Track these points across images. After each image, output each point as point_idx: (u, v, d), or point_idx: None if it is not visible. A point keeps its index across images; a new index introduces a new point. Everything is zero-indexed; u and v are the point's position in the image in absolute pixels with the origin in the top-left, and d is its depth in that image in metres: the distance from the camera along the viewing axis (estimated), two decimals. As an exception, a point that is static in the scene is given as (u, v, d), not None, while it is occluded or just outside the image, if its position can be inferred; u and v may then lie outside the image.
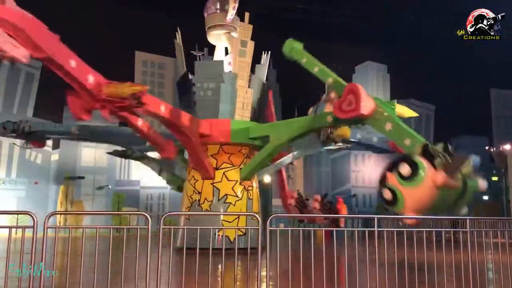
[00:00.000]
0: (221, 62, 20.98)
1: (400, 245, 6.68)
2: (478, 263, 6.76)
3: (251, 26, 21.64)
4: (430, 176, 10.26)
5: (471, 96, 76.20)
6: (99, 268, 5.85)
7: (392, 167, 11.11)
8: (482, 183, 11.19)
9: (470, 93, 76.40)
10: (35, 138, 22.02)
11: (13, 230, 6.19)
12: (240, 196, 19.26)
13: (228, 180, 19.23)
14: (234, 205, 18.87)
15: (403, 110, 14.86)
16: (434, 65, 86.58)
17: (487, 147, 57.28)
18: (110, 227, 6.44)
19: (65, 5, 66.69)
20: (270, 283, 6.39)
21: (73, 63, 12.34)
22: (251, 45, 21.50)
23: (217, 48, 22.52)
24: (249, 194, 19.60)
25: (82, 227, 6.14)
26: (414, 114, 16.55)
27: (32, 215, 5.80)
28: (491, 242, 6.93)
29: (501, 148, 43.56)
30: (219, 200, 18.88)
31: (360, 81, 67.58)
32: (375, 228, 6.52)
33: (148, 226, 6.08)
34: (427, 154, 10.68)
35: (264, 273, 7.35)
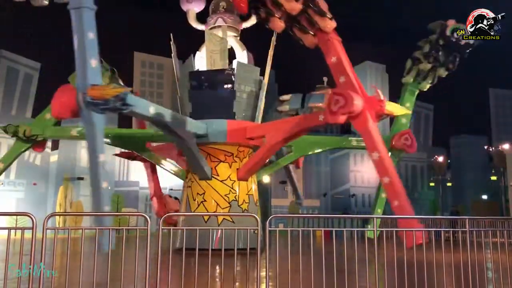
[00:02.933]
0: (257, 69, 21.22)
1: (399, 245, 6.68)
2: (477, 262, 6.76)
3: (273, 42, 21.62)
4: None
5: (470, 96, 76.25)
6: (98, 269, 5.85)
7: None
8: None
9: (469, 93, 76.43)
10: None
11: (12, 231, 6.18)
12: (256, 202, 20.04)
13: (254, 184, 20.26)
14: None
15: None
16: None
17: (486, 147, 57.37)
18: (109, 228, 6.44)
19: (64, 5, 66.55)
20: (270, 283, 6.39)
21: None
22: (271, 53, 21.84)
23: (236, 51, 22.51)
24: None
25: (82, 228, 6.14)
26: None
27: (31, 216, 5.80)
28: (490, 241, 6.94)
29: (500, 148, 43.63)
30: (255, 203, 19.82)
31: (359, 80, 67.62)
32: (374, 228, 6.53)
33: (148, 227, 6.09)
34: None
35: (263, 274, 7.35)
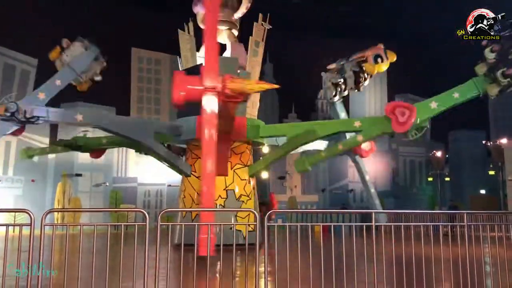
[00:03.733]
0: (236, 59, 20.95)
1: (398, 239, 6.70)
2: (476, 257, 6.78)
3: (263, 28, 21.94)
4: None
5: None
6: (97, 265, 5.84)
7: None
8: None
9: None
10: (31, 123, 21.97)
11: (10, 228, 6.17)
12: (250, 195, 19.69)
13: (241, 179, 19.62)
14: (246, 203, 19.27)
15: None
16: (432, 60, 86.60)
17: (484, 141, 57.44)
18: (108, 224, 6.43)
19: (62, 2, 66.38)
20: (268, 278, 6.40)
21: None
22: (262, 45, 21.92)
23: (227, 45, 22.54)
24: (254, 191, 19.92)
25: (80, 224, 6.13)
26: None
27: (29, 213, 5.79)
28: (488, 236, 6.95)
29: (498, 142, 43.69)
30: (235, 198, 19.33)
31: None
32: (373, 223, 6.53)
33: (146, 222, 6.08)
34: None
35: (262, 269, 7.36)
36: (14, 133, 21.68)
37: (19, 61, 56.25)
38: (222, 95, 12.13)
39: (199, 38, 23.31)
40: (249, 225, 14.65)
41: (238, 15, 22.02)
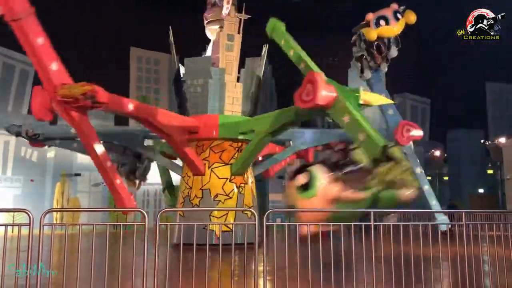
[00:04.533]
0: (209, 57, 21.00)
1: (397, 238, 6.71)
2: (474, 255, 6.79)
3: (238, 20, 21.54)
4: (324, 190, 10.15)
5: (467, 90, 76.28)
6: (96, 265, 5.85)
7: (293, 176, 11.02)
8: (404, 193, 10.23)
9: (466, 87, 76.47)
10: (36, 141, 22.28)
11: (9, 228, 6.17)
12: (230, 194, 19.15)
13: (219, 178, 19.08)
14: (223, 203, 18.77)
15: (370, 98, 13.94)
16: (430, 59, 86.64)
17: (482, 141, 57.51)
18: (106, 224, 6.43)
19: (61, 2, 66.29)
20: (267, 277, 6.41)
21: (40, 40, 12.39)
22: (238, 38, 21.42)
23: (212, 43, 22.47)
24: (240, 190, 19.46)
25: (79, 224, 6.13)
26: (385, 101, 15.42)
27: (28, 212, 5.79)
28: (486, 235, 6.97)
29: (496, 142, 43.73)
30: (211, 198, 18.91)
31: (356, 75, 67.79)
32: (371, 222, 6.54)
33: (145, 222, 6.09)
34: (384, 156, 10.34)
35: (261, 268, 7.37)
36: (34, 145, 22.86)
37: (18, 61, 56.20)
38: (60, 103, 12.85)
39: (186, 34, 23.26)
40: (225, 225, 14.89)
41: (224, 11, 21.75)
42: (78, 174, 51.72)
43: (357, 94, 12.94)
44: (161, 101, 63.48)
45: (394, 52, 18.42)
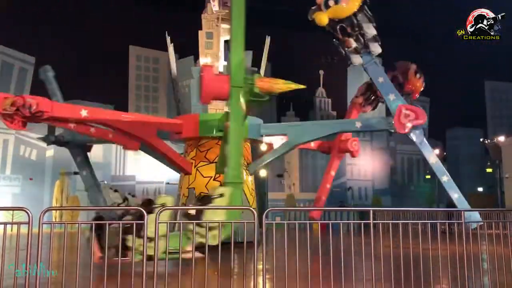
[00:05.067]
0: (190, 58, 21.23)
1: (396, 237, 6.71)
2: (473, 254, 6.80)
3: (214, 16, 21.63)
4: None
5: (466, 89, 76.39)
6: (95, 263, 5.85)
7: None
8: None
9: (465, 86, 76.57)
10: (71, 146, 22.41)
11: (8, 226, 6.17)
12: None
13: (203, 176, 19.12)
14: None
15: (271, 84, 13.21)
16: (429, 58, 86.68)
17: (481, 139, 57.57)
18: (106, 222, 6.43)
19: (60, 1, 66.21)
20: (267, 276, 6.41)
21: None
22: (217, 35, 21.45)
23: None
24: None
25: (78, 223, 6.12)
26: (295, 86, 13.90)
27: (27, 211, 5.78)
28: (485, 233, 6.98)
29: (495, 140, 43.77)
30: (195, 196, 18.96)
31: (355, 74, 67.57)
32: (371, 221, 6.54)
33: (144, 221, 6.08)
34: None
35: (260, 267, 7.38)
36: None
37: (17, 59, 56.15)
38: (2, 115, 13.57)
39: (184, 31, 23.27)
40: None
41: (215, 8, 22.05)
42: (77, 173, 51.69)
43: (251, 83, 12.67)
44: (160, 100, 63.47)
45: (372, 30, 17.05)
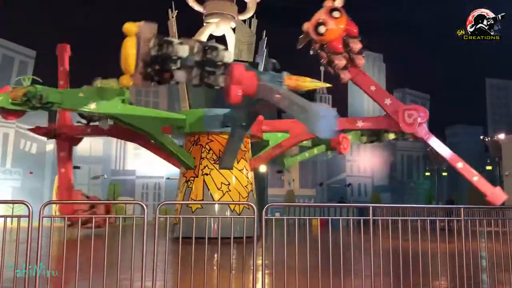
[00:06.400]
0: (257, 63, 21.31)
1: (395, 233, 6.72)
2: (472, 251, 6.81)
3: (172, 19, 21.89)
4: None
5: (466, 86, 76.30)
6: (94, 257, 5.86)
7: None
8: None
9: (466, 83, 76.45)
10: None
11: (8, 219, 6.18)
12: (181, 188, 19.73)
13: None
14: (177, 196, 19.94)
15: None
16: (430, 55, 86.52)
17: (481, 136, 57.57)
18: (106, 216, 6.44)
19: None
20: (266, 271, 6.44)
21: None
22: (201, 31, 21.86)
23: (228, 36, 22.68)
24: (189, 184, 19.58)
25: (78, 216, 6.13)
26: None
27: (28, 204, 5.79)
28: (485, 230, 6.99)
29: (495, 138, 43.78)
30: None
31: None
32: (370, 217, 6.56)
33: (144, 215, 6.09)
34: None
35: (259, 262, 7.40)
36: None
37: (18, 52, 56.07)
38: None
39: (195, 27, 23.34)
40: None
41: (243, 17, 22.52)
42: (78, 167, 51.56)
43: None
44: (160, 95, 63.39)
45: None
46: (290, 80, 12.74)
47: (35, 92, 14.65)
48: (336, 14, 14.01)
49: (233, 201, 18.25)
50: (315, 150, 24.23)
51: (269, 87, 12.24)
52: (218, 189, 18.82)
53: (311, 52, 14.90)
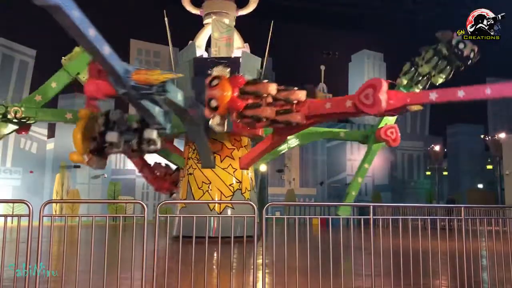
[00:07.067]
0: (259, 59, 21.23)
1: (395, 233, 6.72)
2: (473, 250, 6.81)
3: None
4: None
5: (467, 85, 75.95)
6: (95, 256, 5.86)
7: None
8: None
9: (466, 82, 76.18)
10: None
11: (9, 219, 6.18)
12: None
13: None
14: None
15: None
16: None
17: (482, 136, 57.50)
18: (106, 216, 6.43)
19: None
20: (266, 270, 6.43)
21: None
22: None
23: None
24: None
25: (78, 216, 6.13)
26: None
27: (28, 203, 5.80)
28: (485, 229, 6.99)
29: (496, 137, 43.76)
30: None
31: (356, 69, 67.36)
32: (371, 216, 6.56)
33: (144, 214, 6.09)
34: None
35: (260, 261, 7.40)
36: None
37: (18, 52, 56.03)
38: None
39: (183, 26, 23.35)
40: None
41: (243, 12, 22.51)
42: (78, 166, 51.65)
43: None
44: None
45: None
46: (139, 75, 12.13)
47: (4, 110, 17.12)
48: (214, 82, 13.58)
49: (212, 200, 18.17)
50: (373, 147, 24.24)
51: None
52: (199, 188, 18.77)
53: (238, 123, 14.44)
